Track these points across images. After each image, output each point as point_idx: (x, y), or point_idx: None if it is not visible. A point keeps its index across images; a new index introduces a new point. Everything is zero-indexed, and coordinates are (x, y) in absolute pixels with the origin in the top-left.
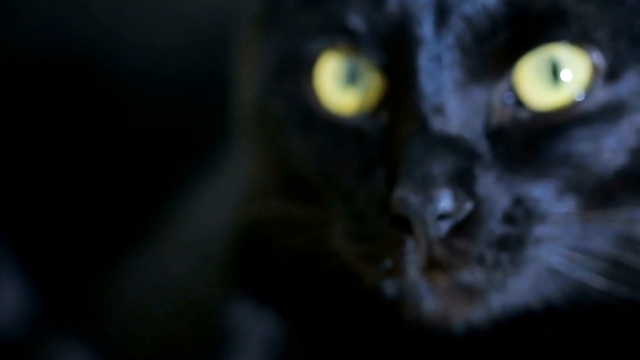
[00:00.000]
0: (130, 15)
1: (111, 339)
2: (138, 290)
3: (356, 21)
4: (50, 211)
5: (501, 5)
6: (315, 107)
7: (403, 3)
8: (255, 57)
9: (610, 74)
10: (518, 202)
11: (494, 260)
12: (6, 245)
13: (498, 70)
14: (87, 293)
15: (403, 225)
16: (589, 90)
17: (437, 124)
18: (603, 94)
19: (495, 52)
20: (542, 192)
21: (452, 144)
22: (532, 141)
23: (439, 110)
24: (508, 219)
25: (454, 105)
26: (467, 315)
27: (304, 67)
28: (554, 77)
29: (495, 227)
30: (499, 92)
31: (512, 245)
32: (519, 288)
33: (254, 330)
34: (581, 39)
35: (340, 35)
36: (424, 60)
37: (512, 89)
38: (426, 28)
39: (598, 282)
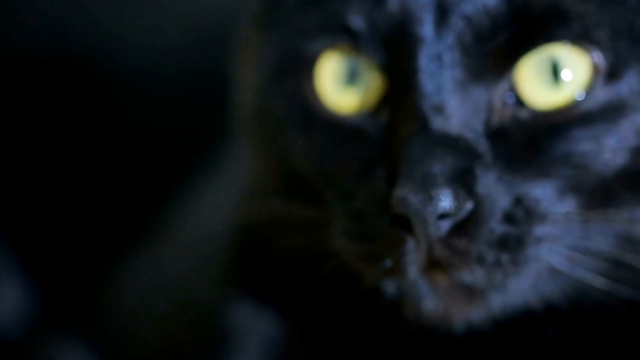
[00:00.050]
0: (130, 15)
1: (111, 339)
2: (138, 290)
3: (356, 21)
4: (50, 211)
5: (501, 5)
6: (315, 107)
7: (403, 3)
8: (255, 57)
9: (610, 73)
10: (518, 201)
11: (494, 260)
12: (6, 245)
13: (498, 70)
14: (87, 293)
15: (403, 224)
16: (590, 90)
17: (437, 124)
18: (603, 94)
19: (496, 51)
20: (543, 192)
21: (452, 144)
22: (533, 141)
23: (439, 109)
24: (508, 218)
25: (454, 104)
26: (468, 315)
27: (304, 67)
28: (555, 77)
29: (496, 226)
30: (499, 91)
31: (513, 245)
32: (519, 288)
33: (254, 330)
34: (581, 39)
35: (341, 35)
36: (424, 59)
37: (512, 89)
38: (426, 28)
39: (598, 282)
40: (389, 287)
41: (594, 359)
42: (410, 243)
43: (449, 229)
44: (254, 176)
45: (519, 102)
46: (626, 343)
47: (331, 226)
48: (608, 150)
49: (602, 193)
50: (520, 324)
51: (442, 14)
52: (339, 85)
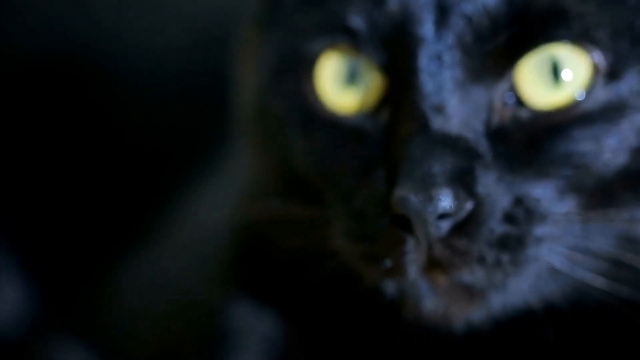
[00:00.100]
0: (130, 16)
1: (111, 339)
2: (138, 290)
3: (356, 21)
4: (50, 211)
5: (502, 5)
6: (315, 107)
7: (403, 3)
8: (255, 57)
9: (610, 73)
10: (518, 201)
11: (495, 260)
12: (6, 245)
13: (498, 70)
14: (87, 293)
15: (403, 224)
16: (590, 90)
17: (437, 124)
18: (604, 94)
19: (496, 51)
20: (543, 192)
21: (452, 144)
22: (533, 141)
23: (440, 109)
24: (508, 218)
25: (455, 104)
26: (468, 315)
27: (304, 67)
28: (555, 77)
29: (496, 226)
30: (499, 91)
31: (513, 245)
32: (519, 288)
33: (254, 330)
34: (582, 39)
35: (341, 35)
36: (424, 59)
37: (512, 89)
38: (427, 27)
39: (598, 282)
40: (389, 287)
41: (594, 359)
42: (410, 243)
43: (449, 229)
44: (254, 176)
45: (519, 102)
46: (626, 343)
47: (331, 226)
48: (608, 150)
49: (603, 193)
50: (520, 324)
51: (442, 14)
52: (339, 85)
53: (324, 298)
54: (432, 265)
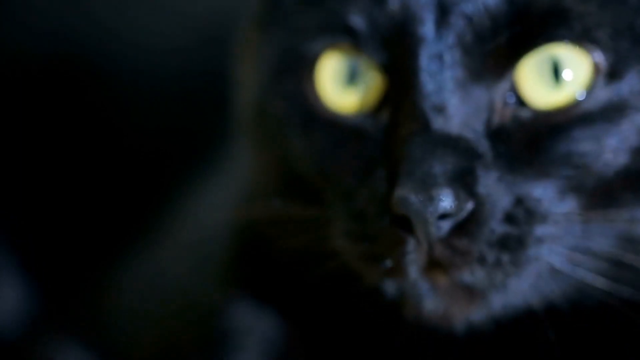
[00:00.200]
0: (130, 16)
1: (111, 339)
2: (138, 291)
3: (357, 20)
4: (50, 211)
5: (502, 5)
6: (315, 107)
7: (404, 2)
8: (255, 57)
9: (611, 73)
10: (519, 201)
11: (495, 260)
12: (6, 245)
13: (499, 70)
14: (87, 293)
15: (404, 225)
16: (590, 90)
17: (438, 124)
18: (604, 94)
19: (497, 51)
20: (543, 192)
21: (453, 144)
22: (533, 141)
23: (440, 109)
24: (509, 218)
25: (455, 104)
26: (468, 315)
27: (305, 67)
28: (555, 77)
29: (496, 226)
30: (500, 91)
31: (513, 245)
32: (520, 288)
33: (254, 330)
34: (582, 39)
35: (341, 35)
36: (424, 59)
37: (513, 89)
38: (427, 27)
39: (599, 282)
40: (389, 287)
41: (595, 359)
42: (411, 243)
43: (450, 229)
44: (254, 176)
45: (520, 102)
46: (626, 343)
47: (331, 226)
48: (609, 150)
49: (603, 193)
50: (520, 324)
51: (443, 14)
52: (340, 85)
53: (324, 298)
54: (433, 265)
